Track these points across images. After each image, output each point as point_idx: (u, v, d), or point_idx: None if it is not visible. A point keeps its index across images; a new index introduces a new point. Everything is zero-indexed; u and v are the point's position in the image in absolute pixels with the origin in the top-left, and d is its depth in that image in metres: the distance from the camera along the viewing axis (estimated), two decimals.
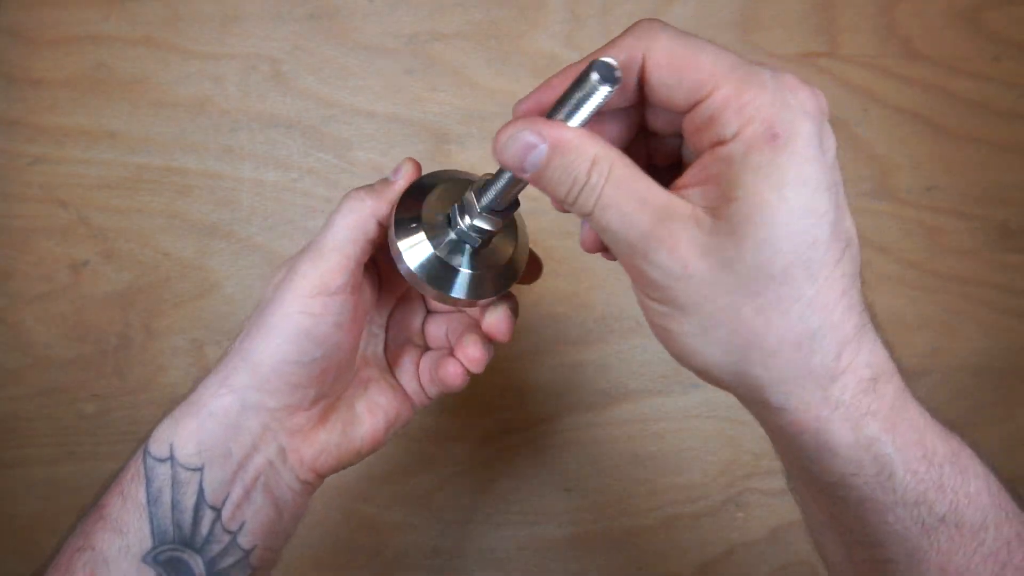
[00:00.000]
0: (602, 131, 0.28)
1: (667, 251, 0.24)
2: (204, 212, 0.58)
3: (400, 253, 0.33)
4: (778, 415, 0.26)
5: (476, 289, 0.34)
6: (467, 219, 0.33)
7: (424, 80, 0.58)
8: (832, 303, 0.25)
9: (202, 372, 0.57)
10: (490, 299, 0.35)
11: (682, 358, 0.27)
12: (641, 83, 0.26)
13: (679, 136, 0.28)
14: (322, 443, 0.35)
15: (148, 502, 0.32)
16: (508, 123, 0.26)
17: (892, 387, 0.27)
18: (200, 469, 0.32)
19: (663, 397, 0.58)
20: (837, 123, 0.58)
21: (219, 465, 0.32)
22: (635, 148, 0.30)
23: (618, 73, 0.25)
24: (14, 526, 0.58)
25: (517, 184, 0.31)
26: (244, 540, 0.34)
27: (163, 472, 0.32)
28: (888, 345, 0.28)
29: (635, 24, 0.26)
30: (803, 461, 0.27)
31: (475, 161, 0.57)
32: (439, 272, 0.34)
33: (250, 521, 0.34)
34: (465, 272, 0.34)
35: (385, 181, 0.35)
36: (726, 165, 0.24)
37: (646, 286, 0.26)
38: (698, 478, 0.58)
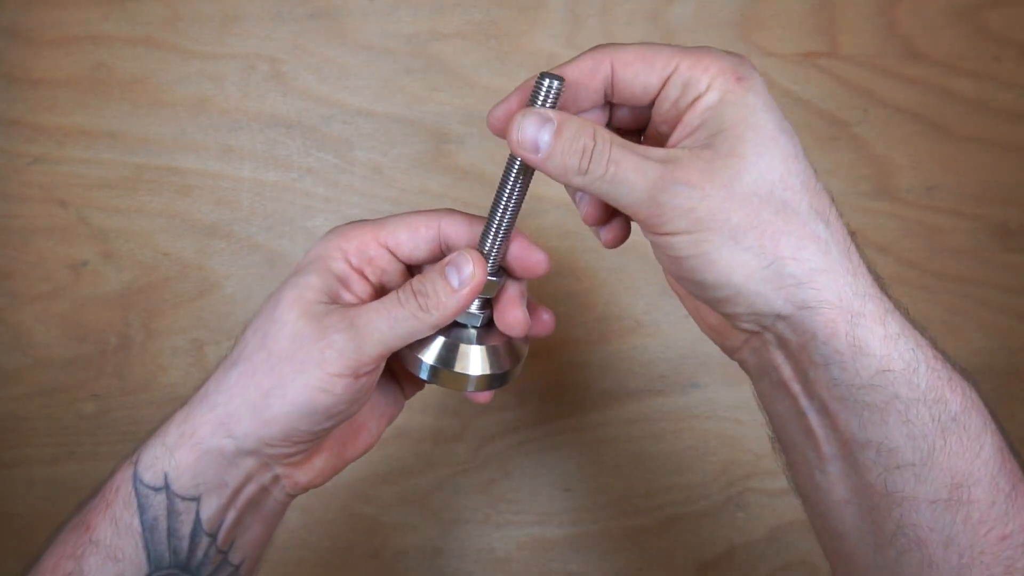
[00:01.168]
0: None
1: (683, 183, 0.27)
2: (204, 212, 0.58)
3: (420, 360, 0.33)
4: (812, 317, 0.28)
5: (494, 361, 0.34)
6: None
7: (424, 80, 0.58)
8: (827, 209, 0.29)
9: (202, 372, 0.57)
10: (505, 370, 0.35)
11: (719, 280, 0.28)
12: (608, 86, 0.30)
13: (640, 131, 0.33)
14: (318, 468, 0.35)
15: (143, 529, 0.31)
16: (515, 115, 0.30)
17: (875, 290, 0.29)
18: (197, 499, 0.32)
19: (663, 397, 0.58)
20: (837, 123, 0.59)
21: (215, 495, 0.32)
22: None
23: (559, 76, 0.29)
24: (14, 526, 0.58)
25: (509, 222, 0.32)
26: (234, 557, 0.34)
27: (158, 501, 0.32)
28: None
29: (592, 48, 0.30)
30: (835, 369, 0.28)
31: (475, 161, 0.57)
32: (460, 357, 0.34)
33: (239, 540, 0.34)
34: (478, 349, 0.34)
35: (449, 289, 0.32)
36: (708, 111, 0.28)
37: (669, 221, 0.28)
38: (698, 478, 0.58)
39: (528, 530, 0.58)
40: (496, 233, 0.32)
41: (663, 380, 0.58)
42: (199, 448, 0.31)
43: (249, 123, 0.58)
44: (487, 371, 0.34)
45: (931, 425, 0.27)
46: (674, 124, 0.30)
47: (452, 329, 0.34)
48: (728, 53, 0.29)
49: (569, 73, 0.30)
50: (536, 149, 0.29)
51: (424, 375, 0.34)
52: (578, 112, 0.31)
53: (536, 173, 0.31)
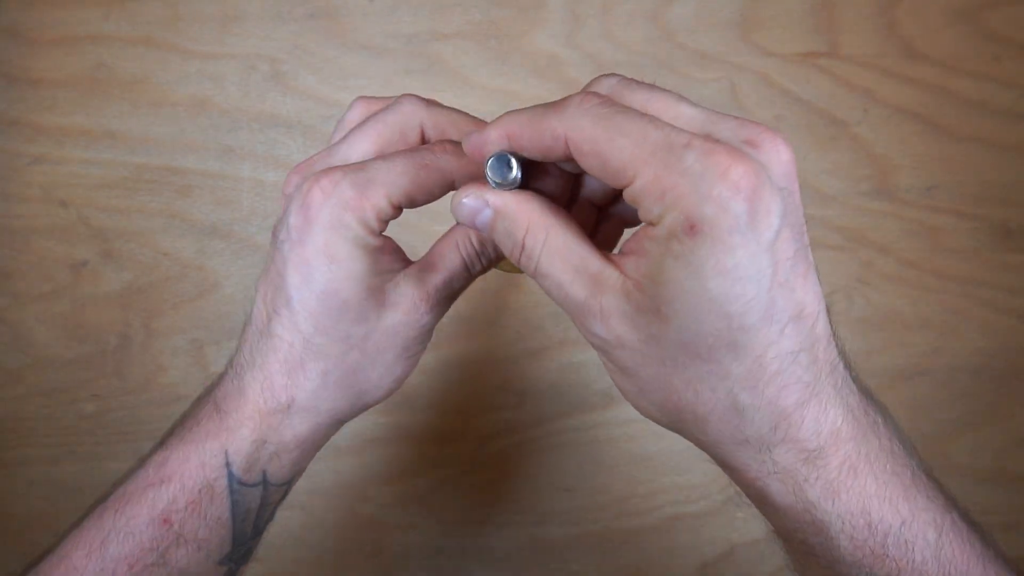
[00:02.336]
0: (545, 179, 0.29)
1: (600, 322, 0.26)
2: (204, 212, 0.58)
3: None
4: (723, 469, 0.29)
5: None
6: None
7: (424, 80, 0.58)
8: (764, 381, 0.25)
9: (202, 372, 0.58)
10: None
11: (634, 406, 0.29)
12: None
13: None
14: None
15: (234, 521, 0.33)
16: (461, 189, 0.28)
17: (841, 455, 0.27)
18: (288, 483, 0.34)
19: None
20: (837, 123, 0.59)
21: (304, 469, 0.34)
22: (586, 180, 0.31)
23: (513, 165, 0.27)
24: (14, 526, 0.58)
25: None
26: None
27: (253, 495, 0.33)
28: (867, 391, 0.29)
29: (565, 99, 0.26)
30: (759, 509, 0.29)
31: None
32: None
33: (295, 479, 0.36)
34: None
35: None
36: (653, 245, 0.24)
37: (591, 344, 0.28)
38: (698, 478, 0.58)
39: (528, 530, 0.58)
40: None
41: None
42: (305, 444, 0.33)
43: (249, 123, 0.58)
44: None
45: None
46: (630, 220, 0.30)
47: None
48: (719, 167, 0.23)
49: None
50: (475, 228, 0.29)
51: (502, 266, 0.34)
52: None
53: None
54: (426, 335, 0.33)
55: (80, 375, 0.58)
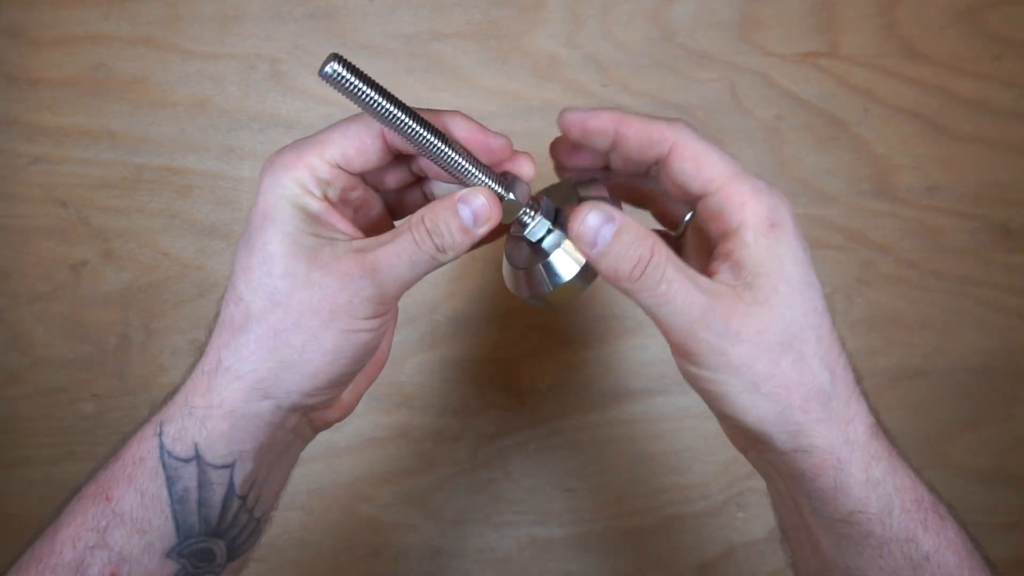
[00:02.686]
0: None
1: (722, 321, 0.29)
2: (204, 212, 0.58)
3: (539, 295, 0.33)
4: (804, 458, 0.30)
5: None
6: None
7: (424, 80, 0.58)
8: (835, 359, 0.31)
9: None
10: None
11: (735, 415, 0.31)
12: (662, 164, 0.32)
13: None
14: (346, 401, 0.35)
15: (172, 501, 0.31)
16: (580, 207, 0.30)
17: (886, 437, 0.31)
18: (231, 466, 0.32)
19: (663, 397, 0.58)
20: (837, 123, 0.59)
21: (250, 459, 0.32)
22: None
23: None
24: (14, 526, 0.58)
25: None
26: (259, 512, 0.34)
27: (189, 472, 0.31)
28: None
29: (673, 120, 0.32)
30: (816, 502, 0.31)
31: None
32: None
33: (266, 494, 0.34)
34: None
35: (463, 228, 0.31)
36: (743, 249, 0.30)
37: (701, 356, 0.30)
38: (698, 478, 0.58)
39: (528, 530, 0.58)
40: (460, 159, 0.31)
41: (663, 380, 0.58)
42: (233, 415, 0.31)
43: (249, 123, 0.58)
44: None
45: (903, 562, 0.30)
46: (706, 245, 0.32)
47: (532, 250, 0.33)
48: (767, 191, 0.31)
49: (632, 135, 0.32)
50: (594, 244, 0.30)
51: (543, 302, 0.34)
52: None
53: None
54: (364, 311, 0.31)
55: (80, 375, 0.58)
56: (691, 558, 0.58)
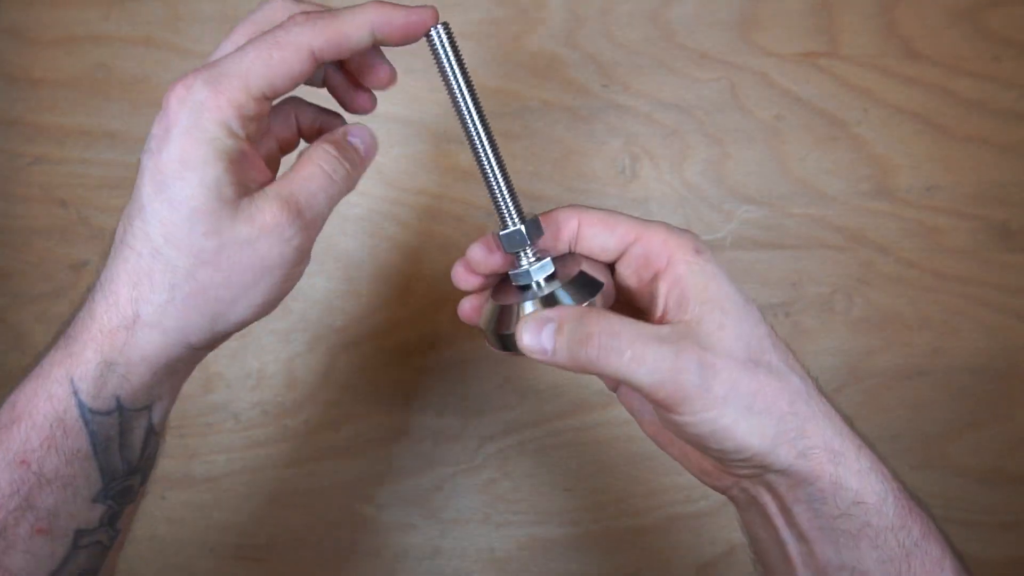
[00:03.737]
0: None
1: (696, 359, 0.29)
2: None
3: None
4: (804, 464, 0.30)
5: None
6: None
7: (424, 80, 0.58)
8: (792, 359, 0.32)
9: (201, 372, 0.57)
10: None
11: (738, 445, 0.30)
12: (573, 241, 0.34)
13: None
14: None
15: (96, 453, 0.31)
16: (523, 319, 0.32)
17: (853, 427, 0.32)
18: (149, 407, 0.32)
19: None
20: (837, 123, 0.59)
21: (166, 396, 0.32)
22: None
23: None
24: None
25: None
26: (158, 425, 0.33)
27: (110, 422, 0.31)
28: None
29: (562, 207, 0.34)
30: (817, 503, 0.31)
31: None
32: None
33: (167, 410, 0.34)
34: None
35: (359, 159, 0.34)
36: (681, 282, 0.31)
37: (687, 401, 0.29)
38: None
39: (528, 530, 0.58)
40: (498, 186, 0.33)
41: None
42: (155, 365, 0.31)
43: None
44: (584, 302, 0.33)
45: (898, 550, 0.30)
46: (642, 294, 0.33)
47: (525, 295, 0.34)
48: (677, 228, 0.33)
49: (544, 224, 0.34)
50: (544, 351, 0.30)
51: (502, 343, 0.34)
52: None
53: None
54: (295, 258, 0.31)
55: None
56: (691, 558, 0.58)
